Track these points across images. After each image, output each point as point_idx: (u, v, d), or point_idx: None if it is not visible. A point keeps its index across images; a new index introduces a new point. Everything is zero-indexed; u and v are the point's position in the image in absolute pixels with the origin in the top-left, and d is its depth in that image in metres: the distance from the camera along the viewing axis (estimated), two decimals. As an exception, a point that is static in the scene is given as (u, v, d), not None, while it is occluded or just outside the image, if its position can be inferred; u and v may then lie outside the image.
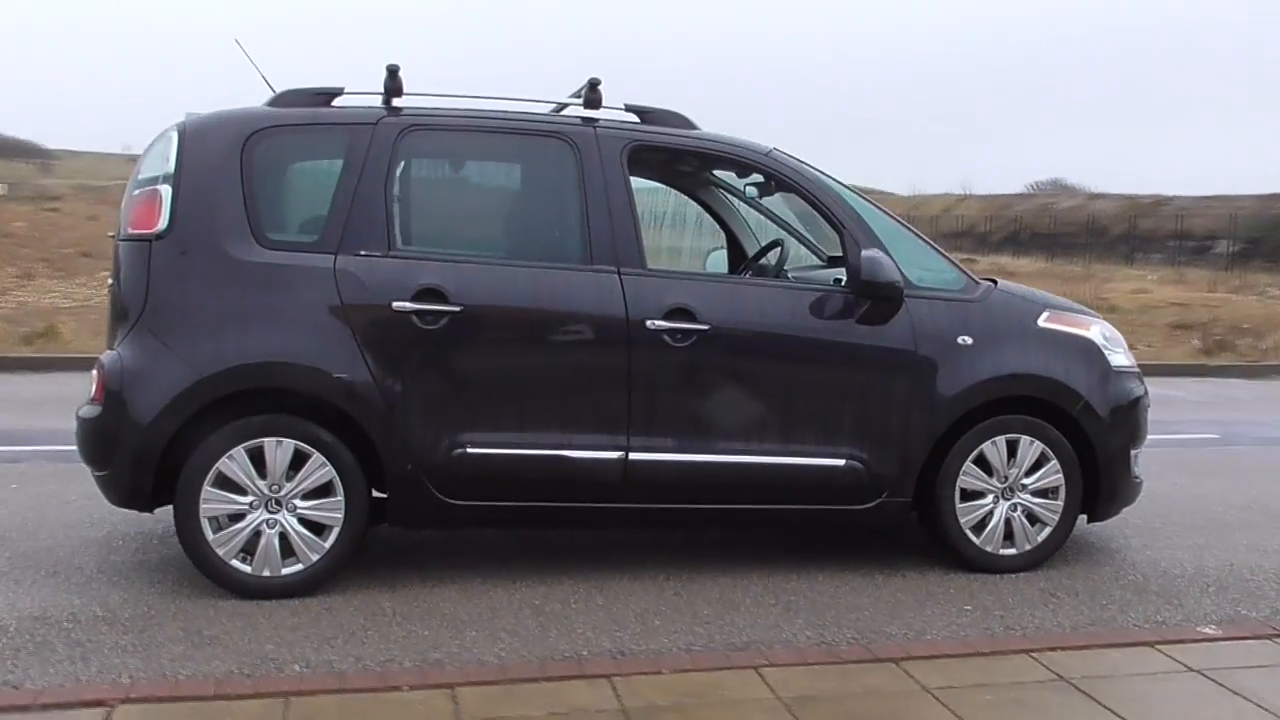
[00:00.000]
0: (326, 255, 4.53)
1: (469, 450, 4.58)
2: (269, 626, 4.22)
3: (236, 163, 4.53)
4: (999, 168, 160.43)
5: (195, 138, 4.57)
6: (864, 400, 4.91)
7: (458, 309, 4.53)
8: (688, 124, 5.08)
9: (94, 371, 4.55)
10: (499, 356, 4.66)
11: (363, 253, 4.54)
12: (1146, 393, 5.40)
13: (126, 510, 4.77)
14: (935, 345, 4.95)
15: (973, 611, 4.61)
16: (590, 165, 4.76)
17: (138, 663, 3.85)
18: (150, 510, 4.65)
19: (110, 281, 4.74)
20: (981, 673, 3.81)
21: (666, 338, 4.69)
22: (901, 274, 4.86)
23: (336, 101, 4.79)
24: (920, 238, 5.27)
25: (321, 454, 4.49)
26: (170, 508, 4.48)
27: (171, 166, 4.52)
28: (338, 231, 4.56)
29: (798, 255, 5.93)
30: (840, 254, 5.04)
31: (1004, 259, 42.59)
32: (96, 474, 4.56)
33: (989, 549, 5.09)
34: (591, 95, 4.95)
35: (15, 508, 5.87)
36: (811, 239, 5.87)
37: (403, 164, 4.68)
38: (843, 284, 4.97)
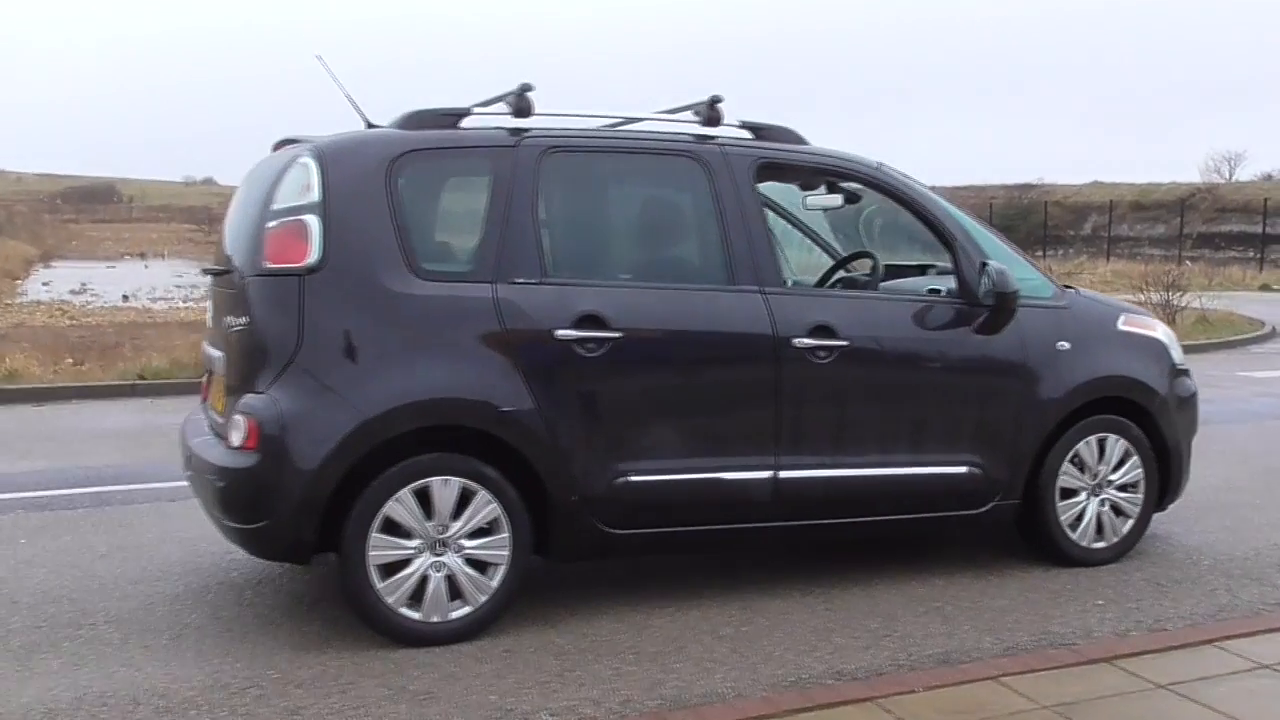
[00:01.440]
0: (484, 285, 4.35)
1: (631, 478, 4.50)
2: (469, 675, 4.03)
3: (383, 189, 4.29)
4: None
5: (336, 164, 4.29)
6: (982, 407, 5.10)
7: (618, 335, 4.44)
8: (799, 139, 5.13)
9: (235, 418, 4.21)
10: (657, 381, 4.59)
11: (519, 280, 4.38)
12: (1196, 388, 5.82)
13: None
14: (1041, 352, 5.19)
15: (1105, 606, 4.86)
16: (723, 184, 4.74)
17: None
18: (308, 562, 4.35)
19: (232, 319, 4.39)
20: (1193, 666, 4.02)
21: (811, 355, 4.73)
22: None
23: (464, 123, 4.59)
24: (1012, 247, 5.49)
25: (488, 491, 4.32)
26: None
27: (316, 195, 4.23)
28: (492, 259, 4.39)
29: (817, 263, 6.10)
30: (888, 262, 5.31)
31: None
32: (243, 527, 4.23)
33: (1084, 544, 5.38)
34: (711, 113, 4.92)
35: (55, 565, 5.35)
36: (832, 243, 6.05)
37: (546, 187, 4.52)
38: (949, 294, 5.13)
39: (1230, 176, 54.27)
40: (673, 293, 4.67)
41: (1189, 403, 5.66)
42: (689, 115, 5.00)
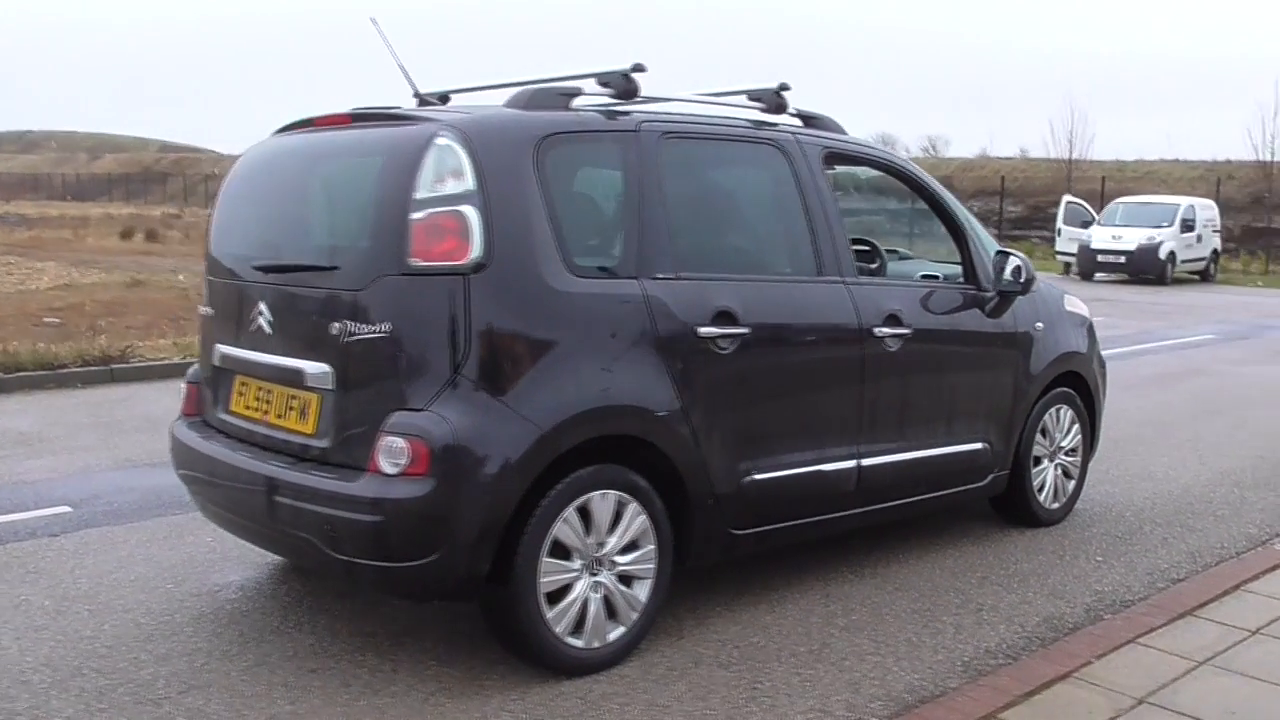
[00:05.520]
0: (630, 281, 4.05)
1: (755, 476, 4.40)
2: (668, 702, 3.78)
3: (533, 177, 3.85)
4: None
5: (486, 147, 3.78)
6: (992, 386, 5.45)
7: (745, 331, 4.30)
8: (841, 128, 5.17)
9: (390, 440, 3.63)
10: (775, 377, 4.48)
11: (659, 276, 4.12)
12: None
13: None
14: (1027, 332, 5.62)
15: (1104, 562, 5.39)
16: (802, 173, 4.71)
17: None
18: (475, 599, 3.85)
19: (352, 325, 3.75)
20: (1265, 611, 4.58)
21: (886, 344, 4.83)
22: None
23: (574, 103, 4.21)
24: (989, 233, 5.86)
25: (638, 501, 4.05)
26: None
27: (470, 183, 3.71)
28: (634, 253, 4.09)
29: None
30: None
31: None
32: (404, 565, 3.67)
33: (1050, 505, 5.91)
34: (779, 100, 4.85)
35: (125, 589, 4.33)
36: None
37: (666, 175, 4.26)
38: (958, 280, 5.42)
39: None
40: (782, 286, 4.59)
41: (1103, 371, 6.36)
42: (742, 100, 4.89)
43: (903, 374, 4.95)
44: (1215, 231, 27.97)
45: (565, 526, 3.85)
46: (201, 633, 4.33)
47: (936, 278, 5.53)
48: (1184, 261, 26.39)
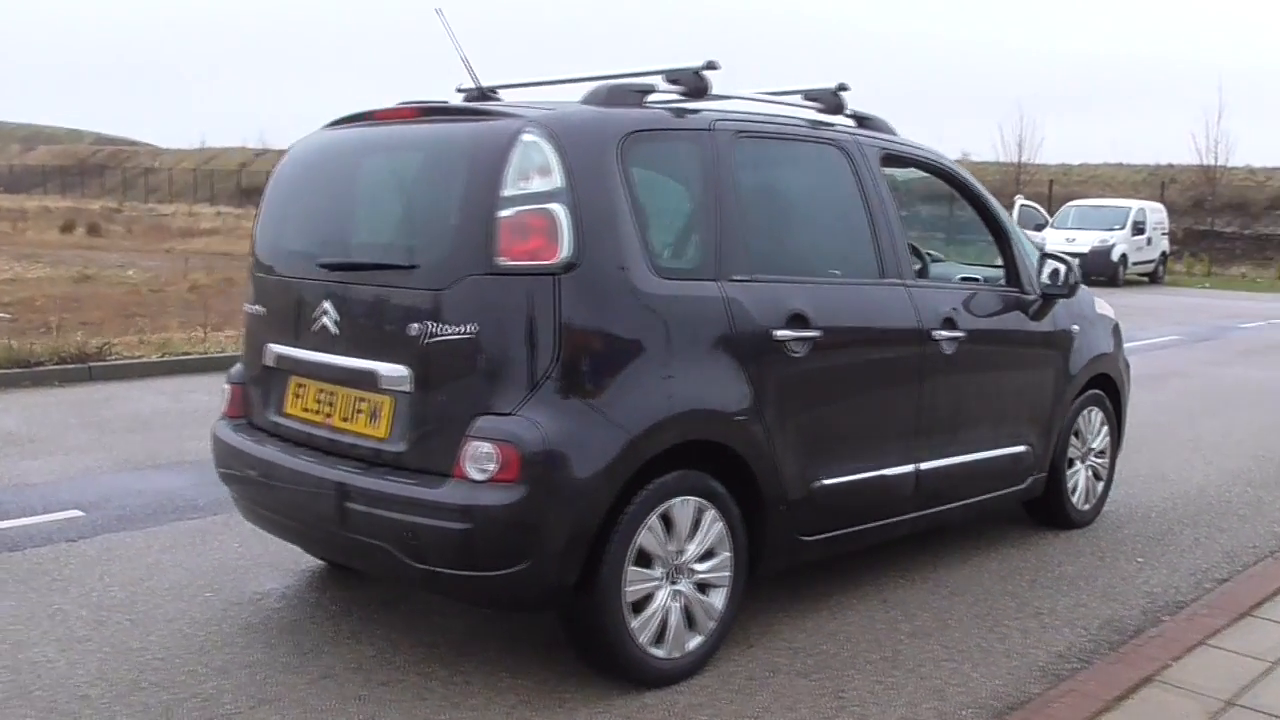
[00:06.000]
0: (710, 283, 3.95)
1: (824, 481, 4.33)
2: (755, 713, 3.70)
3: (618, 175, 3.74)
4: (302, 119, 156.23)
5: (573, 144, 3.66)
6: (1035, 389, 5.44)
7: (817, 334, 4.23)
8: (892, 129, 5.11)
9: (478, 445, 3.51)
10: (842, 380, 4.42)
11: (735, 278, 4.03)
12: None
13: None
14: (1064, 335, 5.62)
15: (1146, 564, 5.40)
16: (863, 174, 4.65)
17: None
18: (562, 607, 3.74)
19: (434, 326, 3.61)
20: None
21: (943, 346, 4.79)
22: None
23: (648, 100, 4.10)
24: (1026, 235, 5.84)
25: (716, 508, 3.96)
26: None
27: (559, 180, 3.59)
28: (712, 255, 3.99)
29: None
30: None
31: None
32: (492, 574, 3.54)
33: (1082, 507, 5.92)
34: (837, 101, 4.78)
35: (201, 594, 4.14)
36: None
37: (739, 176, 4.17)
38: (1001, 283, 5.40)
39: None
40: (850, 288, 4.52)
41: (1128, 371, 6.38)
42: (798, 99, 4.82)
43: (956, 377, 4.91)
44: (1164, 234, 28.53)
45: (649, 534, 3.75)
46: (255, 644, 4.16)
47: (975, 280, 5.50)
48: (1135, 264, 26.88)
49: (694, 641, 3.95)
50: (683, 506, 3.85)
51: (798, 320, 4.16)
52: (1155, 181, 38.03)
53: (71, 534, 5.43)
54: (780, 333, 4.09)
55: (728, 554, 4.02)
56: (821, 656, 4.18)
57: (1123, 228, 26.46)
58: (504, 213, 3.56)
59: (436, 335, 3.61)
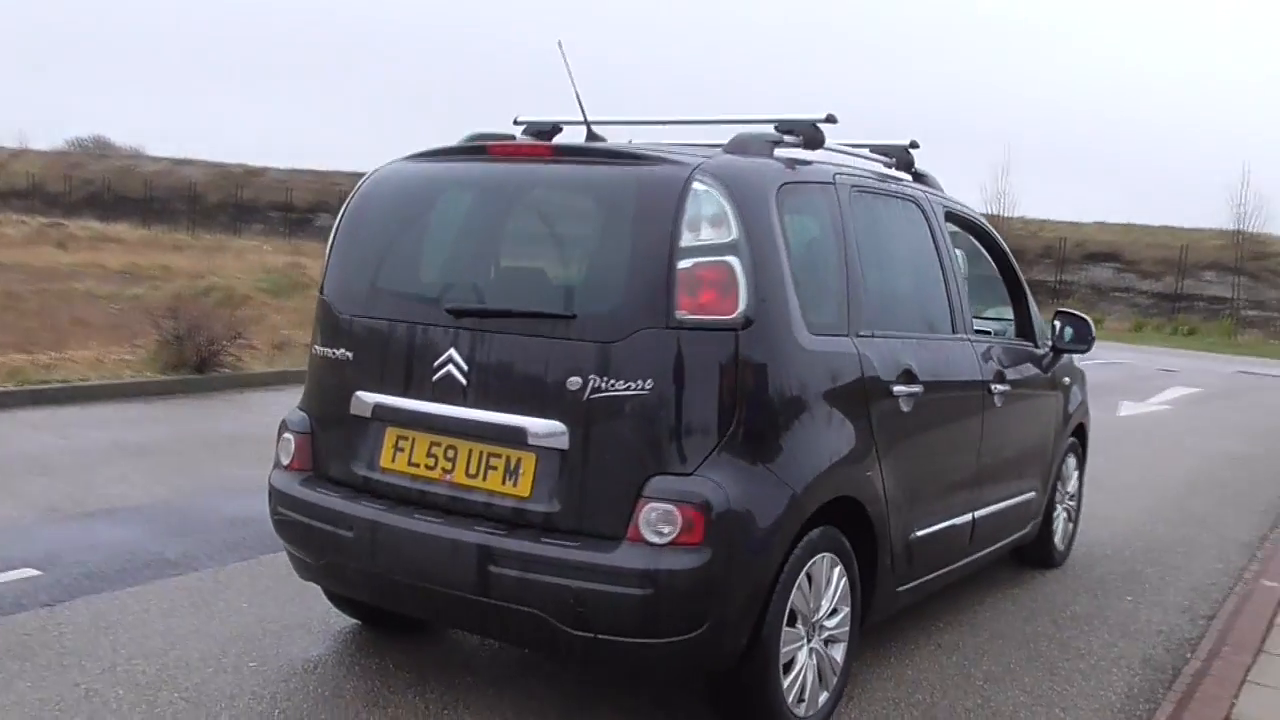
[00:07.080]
0: (844, 338, 3.94)
1: (918, 532, 4.38)
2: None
3: (779, 228, 3.67)
4: (48, 122, 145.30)
5: (744, 196, 3.56)
6: (1044, 437, 5.69)
7: (920, 389, 4.28)
8: (941, 187, 5.23)
9: (658, 506, 3.35)
10: (934, 433, 4.48)
11: (862, 333, 4.02)
12: None
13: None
14: (1062, 387, 5.90)
15: (1135, 602, 5.71)
16: (936, 231, 4.76)
17: None
18: (733, 668, 3.58)
19: (603, 380, 3.43)
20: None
21: (997, 398, 4.94)
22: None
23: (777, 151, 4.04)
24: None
25: (843, 563, 3.94)
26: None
27: (735, 232, 3.48)
28: (845, 309, 3.98)
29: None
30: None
31: (93, 223, 39.90)
32: (671, 640, 3.37)
33: (1060, 548, 6.21)
34: (908, 158, 4.87)
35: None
36: None
37: (855, 230, 4.16)
38: (1008, 337, 5.63)
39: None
40: (938, 343, 4.60)
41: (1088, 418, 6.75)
42: (866, 152, 4.87)
43: (1003, 427, 5.06)
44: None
45: (799, 593, 3.68)
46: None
47: (987, 334, 5.68)
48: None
49: (822, 697, 3.90)
50: (820, 563, 3.80)
51: (907, 375, 4.19)
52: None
53: (43, 597, 4.84)
54: (899, 389, 4.12)
55: (848, 609, 3.99)
56: (922, 706, 4.21)
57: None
58: (683, 264, 3.43)
59: (603, 390, 3.43)
